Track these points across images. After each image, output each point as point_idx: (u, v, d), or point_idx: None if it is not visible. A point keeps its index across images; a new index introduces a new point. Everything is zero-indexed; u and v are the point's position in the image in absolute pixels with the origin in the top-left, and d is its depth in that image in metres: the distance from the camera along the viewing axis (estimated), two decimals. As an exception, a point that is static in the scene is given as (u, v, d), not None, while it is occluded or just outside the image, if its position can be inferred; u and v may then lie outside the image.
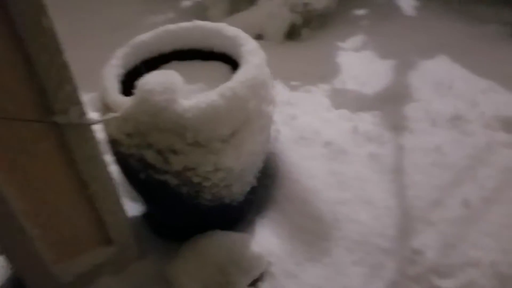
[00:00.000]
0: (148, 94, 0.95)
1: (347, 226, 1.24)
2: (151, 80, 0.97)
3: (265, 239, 1.23)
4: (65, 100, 0.87)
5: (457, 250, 1.17)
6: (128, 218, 1.17)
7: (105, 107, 1.07)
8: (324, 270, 1.17)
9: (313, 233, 1.24)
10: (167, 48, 1.28)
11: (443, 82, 1.75)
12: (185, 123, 0.96)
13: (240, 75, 1.05)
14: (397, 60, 1.92)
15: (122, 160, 1.12)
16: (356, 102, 1.71)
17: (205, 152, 1.01)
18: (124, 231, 1.14)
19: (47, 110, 0.86)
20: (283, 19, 2.13)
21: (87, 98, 1.48)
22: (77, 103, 0.89)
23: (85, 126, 0.93)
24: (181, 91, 0.98)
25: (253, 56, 1.11)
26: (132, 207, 1.36)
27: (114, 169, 1.17)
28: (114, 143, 1.09)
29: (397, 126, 1.57)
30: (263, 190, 1.35)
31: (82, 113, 0.91)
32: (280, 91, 1.75)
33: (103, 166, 1.01)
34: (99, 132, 1.09)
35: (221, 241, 1.16)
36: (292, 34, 2.17)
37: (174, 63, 1.28)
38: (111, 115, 1.00)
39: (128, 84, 1.08)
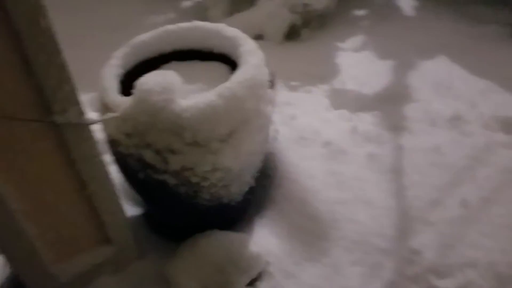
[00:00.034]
0: (146, 94, 0.95)
1: (345, 226, 1.25)
2: (149, 80, 0.97)
3: (264, 239, 1.23)
4: (63, 100, 0.87)
5: (455, 250, 1.17)
6: (127, 218, 1.17)
7: (104, 107, 1.07)
8: (323, 270, 1.17)
9: (312, 233, 1.24)
10: (167, 48, 1.28)
11: (443, 83, 1.76)
12: (183, 123, 0.97)
13: (239, 75, 1.05)
14: (397, 60, 1.93)
15: (121, 160, 1.12)
16: (356, 102, 1.71)
17: (203, 152, 1.01)
18: (123, 231, 1.15)
19: (46, 110, 0.86)
20: (283, 19, 2.13)
21: (87, 98, 1.49)
22: (76, 103, 0.89)
23: (84, 126, 0.93)
24: (180, 91, 0.98)
25: (252, 57, 1.11)
26: (131, 207, 1.36)
27: (113, 169, 1.17)
28: (113, 143, 1.09)
29: (397, 126, 1.57)
30: (262, 190, 1.36)
31: (81, 113, 0.91)
32: (279, 91, 1.76)
33: (102, 166, 1.01)
34: (99, 132, 1.09)
35: (219, 240, 1.16)
36: (292, 34, 2.18)
37: (174, 64, 1.28)
38: (110, 115, 1.00)
39: (127, 84, 1.09)
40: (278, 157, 1.43)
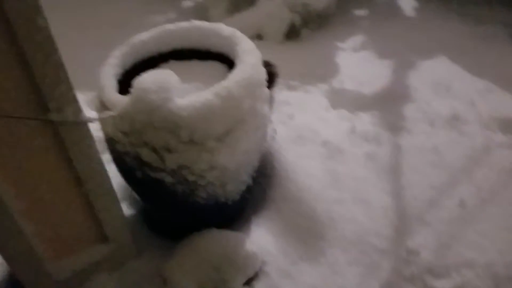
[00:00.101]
0: (143, 93, 0.95)
1: (343, 225, 1.25)
2: (146, 79, 0.98)
3: (261, 238, 1.23)
4: (60, 99, 0.87)
5: (452, 251, 1.17)
6: (125, 216, 1.17)
7: (102, 106, 1.07)
8: (319, 270, 1.17)
9: (309, 232, 1.24)
10: (166, 47, 1.29)
11: (442, 83, 1.75)
12: (180, 122, 0.97)
13: (236, 75, 1.05)
14: (396, 60, 1.93)
15: (118, 158, 1.13)
16: (355, 102, 1.71)
17: (200, 151, 1.02)
18: (120, 229, 1.15)
19: (43, 108, 0.87)
20: (283, 19, 2.13)
21: (86, 96, 1.51)
22: (73, 101, 0.90)
23: (81, 125, 0.94)
24: (177, 89, 0.99)
25: (249, 56, 1.11)
26: (129, 206, 1.37)
27: (111, 168, 1.18)
28: (110, 141, 1.10)
29: (395, 126, 1.57)
30: (260, 189, 1.36)
31: (78, 112, 0.91)
32: (278, 90, 1.76)
33: (99, 164, 1.02)
34: (98, 130, 1.10)
35: (216, 239, 1.16)
36: (292, 34, 2.18)
37: (172, 63, 1.28)
38: (107, 113, 1.01)
39: (126, 84, 1.09)
40: (276, 156, 1.43)
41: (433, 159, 1.43)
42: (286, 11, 2.13)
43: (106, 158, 1.17)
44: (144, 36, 1.26)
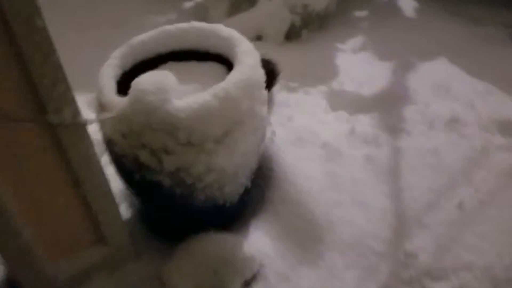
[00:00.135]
0: (141, 94, 0.95)
1: (341, 228, 1.24)
2: (144, 80, 0.97)
3: (259, 241, 1.23)
4: (58, 100, 0.87)
5: (451, 253, 1.17)
6: (123, 218, 1.17)
7: (101, 107, 1.07)
8: (317, 273, 1.16)
9: (307, 235, 1.24)
10: (165, 48, 1.29)
11: (441, 84, 1.75)
12: (178, 123, 0.97)
13: (234, 76, 1.05)
14: (396, 61, 1.92)
15: (117, 160, 1.12)
16: (354, 104, 1.71)
17: (198, 152, 1.01)
18: (118, 231, 1.15)
19: (41, 109, 0.87)
20: (283, 20, 2.13)
21: (85, 98, 1.51)
22: (71, 103, 0.90)
23: (79, 126, 0.93)
24: (175, 91, 0.98)
25: (247, 57, 1.11)
26: (127, 208, 1.36)
27: (110, 169, 1.17)
28: (109, 143, 1.10)
29: (395, 128, 1.57)
30: (258, 191, 1.35)
31: (76, 113, 0.91)
32: (278, 92, 1.76)
33: (97, 165, 1.01)
34: (97, 132, 1.10)
35: (214, 242, 1.16)
36: (292, 35, 2.18)
37: (171, 64, 1.28)
38: (105, 115, 1.00)
39: (126, 85, 1.09)
40: (274, 158, 1.42)
41: (432, 161, 1.42)
42: (286, 12, 2.13)
43: (105, 160, 1.17)
44: (143, 37, 1.26)
